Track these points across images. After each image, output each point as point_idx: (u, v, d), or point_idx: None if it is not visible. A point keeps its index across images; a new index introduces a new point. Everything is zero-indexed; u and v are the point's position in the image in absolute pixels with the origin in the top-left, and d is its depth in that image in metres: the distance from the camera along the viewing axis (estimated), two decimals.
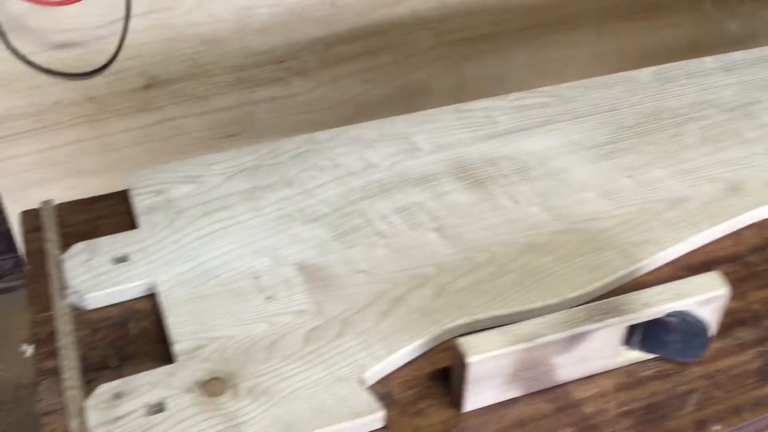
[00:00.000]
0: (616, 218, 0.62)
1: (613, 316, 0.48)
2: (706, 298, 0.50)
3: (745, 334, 0.54)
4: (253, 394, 0.47)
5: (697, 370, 0.51)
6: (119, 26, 1.16)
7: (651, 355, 0.52)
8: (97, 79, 1.22)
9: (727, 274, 0.58)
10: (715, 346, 0.53)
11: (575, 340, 0.48)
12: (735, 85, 0.80)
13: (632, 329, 0.51)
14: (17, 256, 1.38)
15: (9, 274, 1.43)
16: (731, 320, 0.55)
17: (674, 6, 1.66)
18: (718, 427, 0.48)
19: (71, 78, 1.19)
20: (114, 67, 1.21)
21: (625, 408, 0.49)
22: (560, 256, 0.58)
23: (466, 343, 0.46)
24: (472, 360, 0.46)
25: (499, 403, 0.49)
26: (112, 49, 1.19)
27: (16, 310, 1.37)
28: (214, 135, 1.37)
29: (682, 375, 0.51)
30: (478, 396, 0.48)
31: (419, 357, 0.52)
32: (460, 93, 1.55)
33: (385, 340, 0.51)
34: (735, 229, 0.63)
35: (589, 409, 0.49)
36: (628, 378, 0.51)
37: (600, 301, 0.50)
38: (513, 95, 0.79)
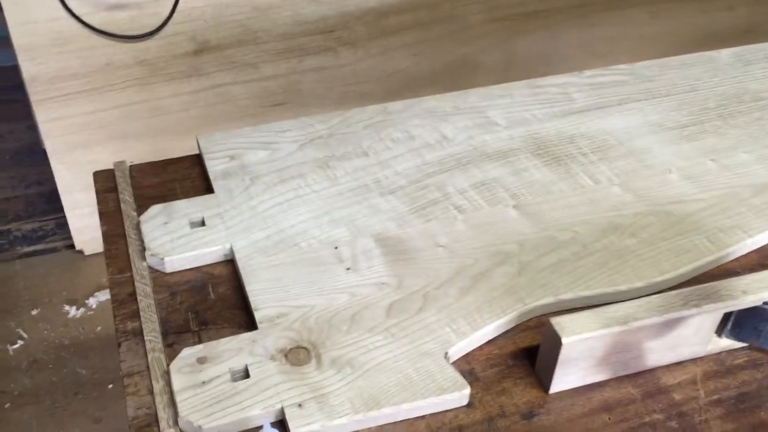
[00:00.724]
0: (701, 202, 0.60)
1: (711, 302, 0.47)
2: None
3: None
4: (337, 364, 0.46)
5: None
6: None
7: (741, 344, 0.50)
8: (149, 42, 1.21)
9: None
10: None
11: (670, 325, 0.47)
12: None
13: (725, 317, 0.49)
14: (61, 217, 1.39)
15: (52, 235, 1.44)
16: None
17: None
18: None
19: (123, 40, 1.19)
20: (166, 30, 1.20)
21: (716, 396, 0.48)
22: (645, 239, 0.57)
23: (559, 323, 0.45)
24: (567, 341, 0.44)
25: (585, 385, 0.48)
26: (166, 12, 1.18)
27: (60, 270, 1.37)
28: (261, 103, 1.36)
29: None
30: (565, 377, 0.47)
31: (502, 335, 0.51)
32: (508, 69, 1.52)
33: (468, 316, 0.50)
34: None
35: (678, 396, 0.48)
36: (717, 366, 0.49)
37: (696, 287, 0.48)
38: (588, 72, 0.77)
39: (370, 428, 0.45)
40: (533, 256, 0.55)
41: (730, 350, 0.50)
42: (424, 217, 0.58)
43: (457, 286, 0.52)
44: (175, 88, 1.27)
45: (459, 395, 0.45)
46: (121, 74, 1.22)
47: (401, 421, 0.45)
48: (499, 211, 0.59)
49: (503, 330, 0.51)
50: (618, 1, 1.55)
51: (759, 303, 0.48)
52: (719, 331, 0.50)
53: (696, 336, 0.48)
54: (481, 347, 0.50)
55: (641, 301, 0.47)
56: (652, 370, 0.49)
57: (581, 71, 0.77)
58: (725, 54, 0.79)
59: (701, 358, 0.50)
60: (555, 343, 0.45)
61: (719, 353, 0.50)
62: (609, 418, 0.46)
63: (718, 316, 0.48)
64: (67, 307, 1.24)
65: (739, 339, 0.50)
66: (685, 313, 0.46)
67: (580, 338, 0.45)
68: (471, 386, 0.47)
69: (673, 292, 0.48)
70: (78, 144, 1.25)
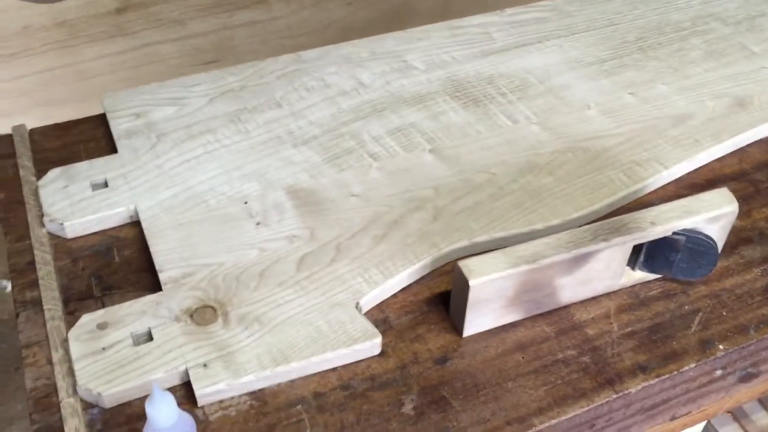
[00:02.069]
0: (618, 137, 0.60)
1: (619, 236, 0.46)
2: (714, 215, 0.48)
3: (751, 252, 0.52)
4: (245, 321, 0.45)
5: (702, 290, 0.50)
6: None
7: (656, 276, 0.50)
8: (67, 3, 1.16)
9: (732, 192, 0.56)
10: (721, 265, 0.51)
11: (580, 260, 0.46)
12: None
13: (637, 249, 0.49)
14: None
15: None
16: (736, 239, 0.53)
17: None
18: (722, 346, 0.47)
19: (39, 1, 1.14)
20: None
21: (629, 329, 0.48)
22: (561, 176, 0.56)
23: (467, 265, 0.44)
24: (474, 282, 0.44)
25: (499, 327, 0.47)
26: None
27: None
28: (192, 61, 1.32)
29: (686, 295, 0.50)
30: (478, 320, 0.46)
31: (417, 282, 0.50)
32: (445, 14, 1.50)
33: (381, 264, 0.49)
34: (740, 146, 0.61)
35: (591, 331, 0.47)
36: (632, 299, 0.49)
37: (605, 221, 0.47)
38: (509, 10, 0.75)
39: (279, 384, 0.44)
40: (449, 200, 0.54)
41: (645, 282, 0.50)
42: (338, 167, 0.57)
43: (371, 235, 0.51)
44: (99, 49, 1.23)
45: (370, 344, 0.45)
46: (40, 37, 1.17)
47: (313, 374, 0.44)
48: (415, 157, 0.58)
49: (418, 276, 0.50)
50: None
51: (668, 233, 0.48)
52: (632, 263, 0.50)
53: (607, 270, 0.48)
54: (395, 295, 0.49)
55: (550, 238, 0.46)
56: (567, 307, 0.49)
57: (502, 10, 0.75)
58: None
59: (615, 292, 0.50)
60: (464, 285, 0.44)
61: (634, 286, 0.50)
62: (522, 357, 0.46)
63: (628, 249, 0.48)
64: (4, 282, 1.21)
65: (652, 271, 0.50)
66: (593, 247, 0.46)
67: (489, 279, 0.44)
68: (384, 335, 0.46)
69: (582, 228, 0.47)
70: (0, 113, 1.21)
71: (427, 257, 0.50)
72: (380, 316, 0.48)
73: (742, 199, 0.56)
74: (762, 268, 0.51)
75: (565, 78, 0.66)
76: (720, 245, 0.50)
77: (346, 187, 0.55)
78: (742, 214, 0.55)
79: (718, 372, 0.48)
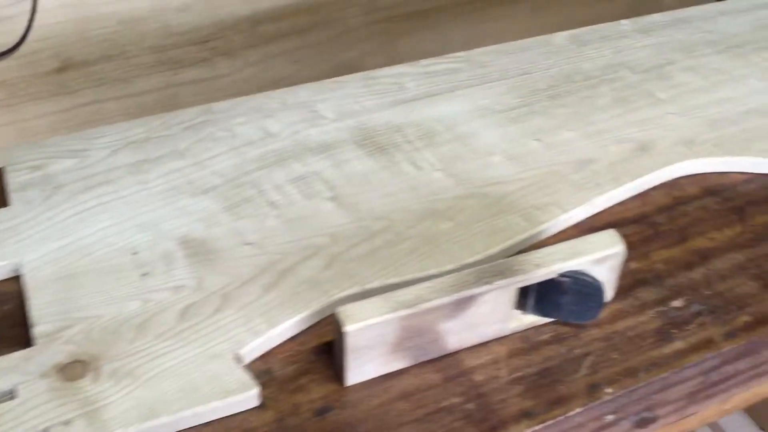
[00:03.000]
0: (520, 181, 0.60)
1: (503, 278, 0.46)
2: (600, 257, 0.48)
3: (646, 294, 0.52)
4: (117, 376, 0.44)
5: (594, 333, 0.49)
6: (28, 5, 1.10)
7: (547, 319, 0.50)
8: (7, 62, 1.17)
9: (631, 235, 0.57)
10: (614, 307, 0.51)
11: (463, 304, 0.46)
12: (650, 46, 0.78)
13: (526, 292, 0.49)
14: None
15: None
16: (633, 281, 0.53)
17: None
18: (610, 390, 0.46)
19: None
20: (24, 48, 1.16)
21: (517, 374, 0.47)
22: (461, 222, 0.56)
23: (344, 311, 0.44)
24: (350, 329, 0.43)
25: (385, 375, 0.46)
26: (21, 29, 1.13)
27: None
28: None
29: (578, 338, 0.49)
30: (360, 368, 0.45)
31: (306, 331, 0.49)
32: None
33: (267, 313, 0.48)
34: (643, 190, 0.61)
35: (479, 377, 0.47)
36: (522, 343, 0.49)
37: (489, 264, 0.47)
38: (424, 61, 0.76)
39: None
40: (344, 247, 0.54)
41: (537, 326, 0.50)
42: (236, 215, 0.56)
43: (261, 284, 0.50)
44: (41, 107, 1.22)
45: (245, 396, 0.44)
46: None
47: (186, 430, 0.43)
48: (314, 204, 0.57)
49: (306, 325, 0.49)
50: None
51: (553, 275, 0.47)
52: (523, 307, 0.49)
53: (495, 314, 0.47)
54: (282, 345, 0.48)
55: (433, 282, 0.46)
56: (456, 353, 0.48)
57: (418, 61, 0.76)
58: (560, 36, 0.80)
59: (507, 337, 0.49)
60: (341, 332, 0.43)
61: (525, 330, 0.50)
62: (406, 406, 0.45)
63: (514, 292, 0.47)
64: None
65: (543, 314, 0.49)
66: (476, 290, 0.45)
67: (366, 325, 0.43)
68: (265, 386, 0.45)
69: (468, 271, 0.47)
70: None
71: (315, 305, 0.49)
72: (263, 367, 0.47)
73: (641, 241, 0.56)
74: (656, 309, 0.51)
75: (472, 126, 0.66)
76: (610, 287, 0.50)
77: (240, 236, 0.54)
78: (640, 256, 0.55)
79: (609, 417, 0.47)
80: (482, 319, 0.47)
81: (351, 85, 0.72)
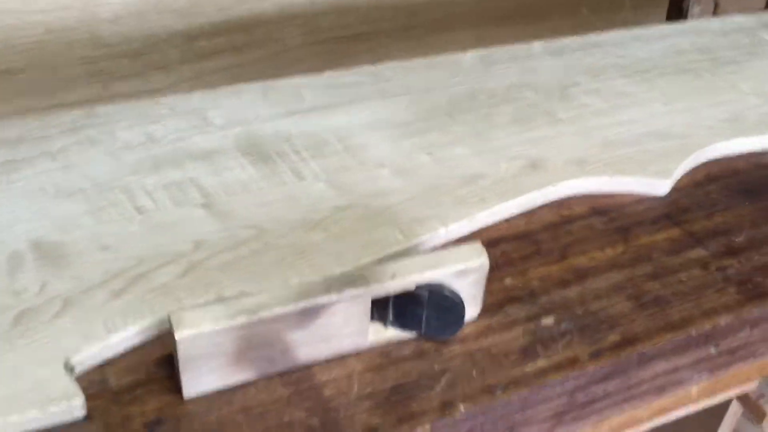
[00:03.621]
0: (404, 194, 0.58)
1: (354, 288, 0.44)
2: (462, 269, 0.46)
3: (517, 311, 0.50)
4: None
5: (456, 349, 0.47)
6: None
7: (409, 334, 0.48)
8: None
9: (512, 251, 0.55)
10: (482, 323, 0.49)
11: (311, 314, 0.43)
12: (558, 68, 0.78)
13: (386, 304, 0.47)
14: None
15: None
16: (505, 297, 0.51)
17: (552, 12, 1.66)
18: (463, 407, 0.44)
19: None
20: None
21: (369, 390, 0.44)
22: (335, 233, 0.54)
23: (176, 316, 0.41)
24: (181, 336, 0.40)
25: (229, 388, 0.44)
26: None
27: None
28: None
29: (440, 354, 0.47)
30: (197, 379, 0.43)
31: (152, 341, 0.46)
32: None
33: (110, 320, 0.46)
34: (530, 208, 0.60)
35: (329, 391, 0.44)
36: (381, 359, 0.47)
37: (345, 272, 0.45)
38: (329, 73, 0.75)
39: None
40: (206, 255, 0.51)
41: (400, 342, 0.48)
42: (97, 220, 0.53)
43: (109, 289, 0.48)
44: None
45: (68, 406, 0.41)
46: None
47: None
48: (184, 212, 0.55)
49: (152, 334, 0.46)
50: (443, 24, 1.57)
51: (411, 287, 0.45)
52: (383, 320, 0.47)
53: (349, 326, 0.45)
54: (124, 355, 0.45)
55: (282, 289, 0.44)
56: (309, 367, 0.46)
57: (323, 72, 0.75)
58: (470, 55, 0.79)
59: (366, 352, 0.47)
60: (173, 340, 0.41)
61: (387, 345, 0.47)
62: (244, 421, 0.42)
63: (367, 303, 0.45)
64: None
65: (403, 328, 0.47)
66: (324, 299, 0.43)
67: (199, 332, 0.41)
68: (97, 397, 0.43)
69: (319, 278, 0.44)
70: None
71: (161, 312, 0.46)
72: (98, 377, 0.44)
73: (520, 258, 0.55)
74: (525, 327, 0.49)
75: (365, 138, 0.65)
76: (475, 303, 0.48)
77: (98, 241, 0.52)
78: (517, 272, 0.54)
79: None
80: (336, 331, 0.45)
81: (248, 93, 0.70)
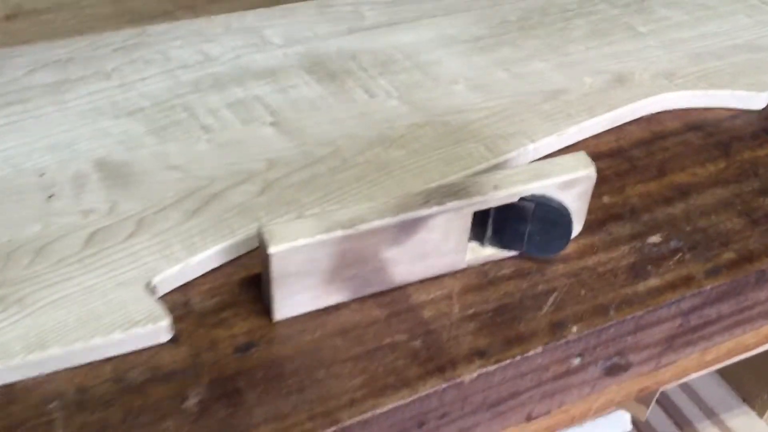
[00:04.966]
0: (484, 111, 0.54)
1: (456, 200, 0.40)
2: (568, 180, 0.42)
3: (620, 229, 0.47)
4: (4, 303, 0.38)
5: (560, 268, 0.44)
6: None
7: (508, 253, 0.44)
8: None
9: (605, 169, 0.51)
10: (584, 242, 0.45)
11: (409, 228, 0.40)
12: None
13: (484, 220, 0.43)
14: None
15: None
16: (605, 215, 0.48)
17: None
18: (575, 328, 0.40)
19: None
20: None
21: (471, 311, 0.41)
22: (416, 149, 0.50)
23: (269, 230, 0.38)
24: (275, 250, 0.37)
25: (321, 309, 0.41)
26: None
27: None
28: None
29: (542, 274, 0.43)
30: (290, 299, 0.39)
31: (233, 262, 0.43)
32: None
33: (188, 240, 0.42)
34: (619, 124, 0.56)
35: (428, 313, 0.41)
36: (479, 279, 0.43)
37: (444, 184, 0.41)
38: None
39: (37, 377, 0.36)
40: (282, 173, 0.47)
41: (497, 261, 0.44)
42: (162, 139, 0.50)
43: (183, 209, 0.44)
44: None
45: (154, 328, 0.37)
46: None
47: (83, 365, 0.37)
48: (252, 130, 0.51)
49: (234, 255, 0.43)
50: None
51: (514, 199, 0.41)
52: (480, 238, 0.44)
53: (447, 243, 0.42)
54: (205, 276, 0.42)
55: (377, 202, 0.40)
56: (403, 288, 0.42)
57: None
58: None
59: (462, 272, 0.43)
60: (266, 255, 0.37)
61: (483, 265, 0.44)
62: (342, 343, 0.39)
63: (468, 217, 0.41)
64: None
65: (503, 246, 0.44)
66: (424, 212, 0.40)
67: (294, 246, 0.37)
68: (181, 320, 0.39)
69: (415, 192, 0.41)
70: None
71: (243, 232, 0.43)
72: (181, 299, 0.41)
73: (616, 175, 0.51)
74: (630, 245, 0.46)
75: (435, 55, 0.60)
76: (580, 217, 0.44)
77: (164, 160, 0.48)
78: (614, 190, 0.50)
79: (576, 361, 0.42)
80: (433, 248, 0.41)
81: (303, 11, 0.65)
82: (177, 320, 0.39)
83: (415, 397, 0.37)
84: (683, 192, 0.50)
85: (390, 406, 0.36)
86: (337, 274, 0.40)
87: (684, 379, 0.49)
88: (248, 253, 0.43)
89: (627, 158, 0.53)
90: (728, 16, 0.67)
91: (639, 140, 0.54)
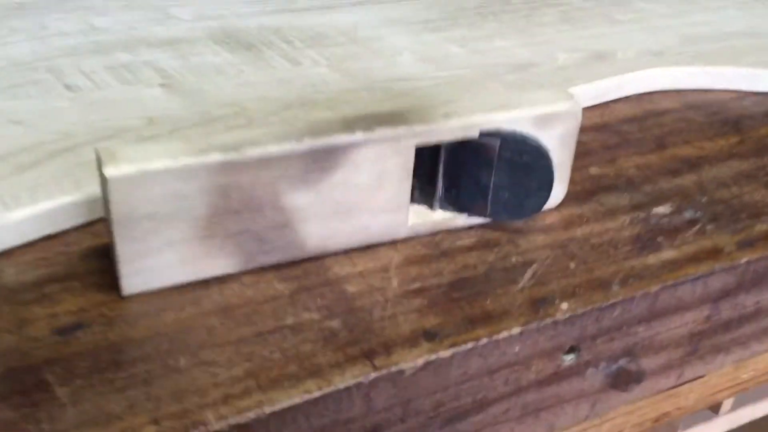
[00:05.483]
0: (435, 79, 0.43)
1: (389, 126, 0.28)
2: (544, 114, 0.31)
3: (615, 199, 0.35)
4: None
5: (538, 239, 0.32)
6: None
7: (468, 220, 0.32)
8: None
9: (589, 141, 0.40)
10: (569, 212, 0.34)
11: (322, 161, 0.28)
12: None
13: (432, 174, 0.31)
14: None
15: None
16: (594, 186, 0.36)
17: None
18: (565, 305, 0.28)
19: None
20: None
21: (416, 285, 0.28)
22: (346, 112, 0.39)
23: (110, 149, 0.25)
24: (114, 173, 0.24)
25: (196, 283, 0.28)
26: None
27: None
28: None
29: (515, 245, 0.31)
30: (146, 260, 0.26)
31: (82, 229, 0.30)
32: None
33: (9, 194, 0.30)
34: (603, 100, 0.45)
35: (353, 287, 0.28)
36: (430, 250, 0.31)
37: (371, 112, 0.30)
38: None
39: None
40: (164, 131, 0.36)
41: (453, 231, 0.32)
42: (11, 97, 0.38)
43: (14, 163, 0.32)
44: None
45: None
46: None
47: None
48: (135, 90, 0.39)
49: (81, 218, 0.30)
50: None
51: (473, 134, 0.30)
52: (429, 200, 0.32)
53: (379, 193, 0.29)
54: (34, 245, 0.29)
55: (278, 127, 0.28)
56: (320, 260, 0.30)
57: None
58: None
59: (405, 242, 0.31)
60: (104, 184, 0.25)
61: (435, 235, 0.32)
62: (219, 323, 0.26)
63: (408, 156, 0.29)
64: None
65: (459, 208, 0.32)
66: (344, 139, 0.28)
67: (145, 171, 0.25)
68: None
69: (334, 117, 0.29)
70: None
71: (93, 188, 0.30)
72: None
73: (604, 147, 0.40)
74: (631, 215, 0.34)
75: (376, 32, 0.50)
76: (562, 175, 0.33)
77: (7, 116, 0.36)
78: (604, 162, 0.38)
79: (568, 358, 0.29)
80: (360, 200, 0.29)
81: None
82: None
83: (326, 391, 0.23)
84: (692, 164, 0.39)
85: (286, 403, 0.23)
86: (218, 226, 0.27)
87: (712, 402, 0.36)
88: (102, 221, 0.31)
89: (616, 132, 0.42)
90: (716, 10, 0.59)
91: (629, 117, 0.44)
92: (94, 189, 0.30)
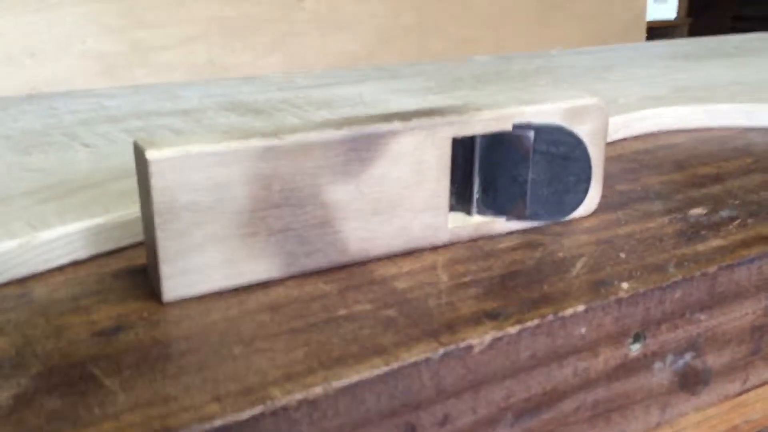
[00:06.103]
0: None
1: (427, 117, 0.28)
2: (574, 107, 0.31)
3: (649, 206, 0.34)
4: None
5: (581, 238, 0.31)
6: None
7: (507, 224, 0.31)
8: None
9: (608, 167, 0.40)
10: (604, 217, 0.33)
11: (363, 151, 0.27)
12: (586, 60, 0.67)
13: (468, 177, 0.30)
14: None
15: None
16: (624, 198, 0.36)
17: None
18: (625, 285, 0.26)
19: None
20: None
21: (467, 278, 0.27)
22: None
23: (148, 138, 0.25)
24: (157, 156, 0.24)
25: (238, 290, 0.26)
26: None
27: None
28: None
29: (559, 244, 0.30)
30: (189, 259, 0.25)
31: (115, 252, 0.29)
32: None
33: (36, 218, 0.28)
34: (612, 139, 0.46)
35: (402, 284, 0.27)
36: (471, 252, 0.30)
37: (404, 110, 0.29)
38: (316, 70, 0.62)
39: None
40: None
41: (491, 237, 0.31)
42: (26, 153, 0.37)
43: (37, 197, 0.31)
44: None
45: None
46: None
47: None
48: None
49: (111, 244, 0.29)
50: None
51: (506, 126, 0.30)
52: (467, 206, 0.31)
53: (418, 191, 0.29)
54: (67, 267, 0.28)
55: (320, 120, 0.28)
56: (363, 265, 0.28)
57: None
58: (485, 56, 0.68)
59: (447, 247, 0.30)
60: (144, 170, 0.24)
61: (475, 240, 0.31)
62: (269, 319, 0.24)
63: (445, 148, 0.29)
64: None
65: (497, 210, 0.31)
66: (381, 128, 0.27)
67: (187, 153, 0.24)
68: (10, 311, 0.24)
69: (376, 113, 0.29)
70: None
71: (123, 211, 0.29)
72: (15, 292, 0.26)
73: (625, 171, 0.40)
74: (669, 217, 0.33)
75: (383, 97, 0.51)
76: (597, 170, 0.32)
77: (23, 167, 0.35)
78: (629, 181, 0.38)
79: (635, 347, 0.27)
80: (398, 196, 0.28)
81: (224, 82, 0.57)
82: (4, 311, 0.24)
83: (394, 366, 0.22)
84: (715, 179, 0.39)
85: (354, 378, 0.21)
86: (260, 222, 0.26)
87: None
88: (134, 247, 0.30)
89: (633, 160, 0.42)
90: (700, 70, 0.61)
91: (641, 150, 0.44)
92: (123, 213, 0.29)
